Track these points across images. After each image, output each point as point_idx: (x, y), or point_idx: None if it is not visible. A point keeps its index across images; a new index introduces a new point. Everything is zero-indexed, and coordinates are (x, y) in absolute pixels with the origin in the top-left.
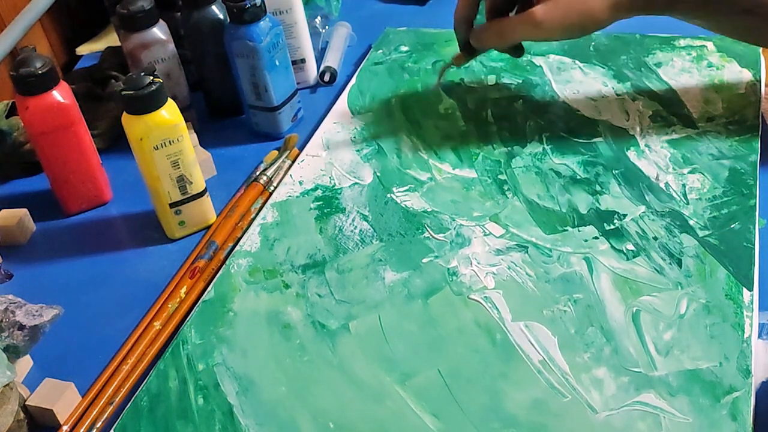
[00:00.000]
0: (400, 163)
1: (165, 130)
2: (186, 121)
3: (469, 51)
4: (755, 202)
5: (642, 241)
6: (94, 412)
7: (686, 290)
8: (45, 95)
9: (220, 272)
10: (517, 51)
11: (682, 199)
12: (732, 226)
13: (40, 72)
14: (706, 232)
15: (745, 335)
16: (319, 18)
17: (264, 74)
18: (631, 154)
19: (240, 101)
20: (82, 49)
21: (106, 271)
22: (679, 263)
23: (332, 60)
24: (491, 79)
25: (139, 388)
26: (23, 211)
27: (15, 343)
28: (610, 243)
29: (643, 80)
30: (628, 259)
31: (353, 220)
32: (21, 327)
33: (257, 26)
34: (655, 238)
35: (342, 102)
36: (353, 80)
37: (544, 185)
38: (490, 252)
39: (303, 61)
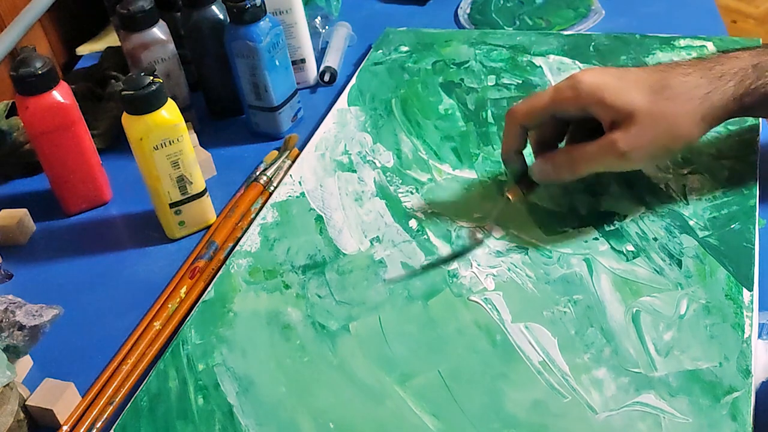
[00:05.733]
0: (400, 164)
1: (165, 130)
2: (186, 121)
3: (527, 185)
4: (755, 202)
5: (642, 242)
6: (94, 412)
7: (686, 291)
8: (45, 95)
9: (220, 272)
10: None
11: (682, 199)
12: (732, 226)
13: (40, 72)
14: (706, 233)
15: (745, 335)
16: (319, 18)
17: (264, 74)
18: None
19: (240, 101)
20: (82, 49)
21: (106, 271)
22: (679, 264)
23: (332, 60)
24: (491, 80)
25: (139, 388)
26: (23, 211)
27: (15, 343)
28: (609, 244)
29: None
30: (628, 260)
31: None
32: (21, 327)
33: (257, 26)
34: (655, 239)
35: (342, 102)
36: (353, 80)
37: (544, 186)
38: (490, 253)
39: (303, 61)
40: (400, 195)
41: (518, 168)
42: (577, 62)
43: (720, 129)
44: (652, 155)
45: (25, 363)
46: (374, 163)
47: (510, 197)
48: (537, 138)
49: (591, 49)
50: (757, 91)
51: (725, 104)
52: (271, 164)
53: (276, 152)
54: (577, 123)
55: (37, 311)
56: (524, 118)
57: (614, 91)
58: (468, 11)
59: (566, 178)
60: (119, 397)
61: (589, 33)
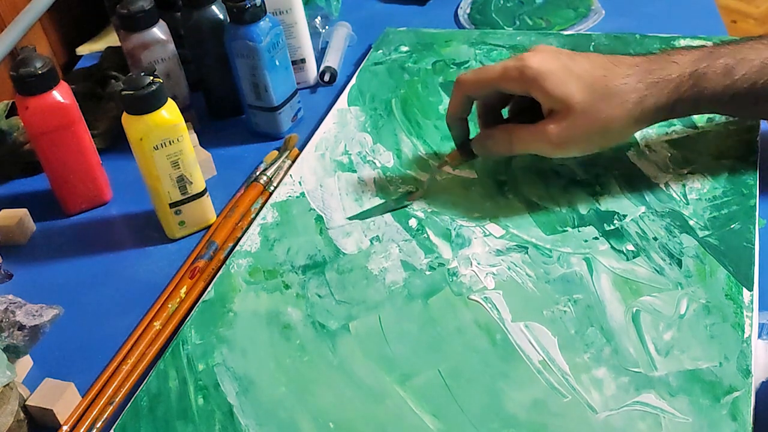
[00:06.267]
0: (400, 163)
1: (165, 130)
2: (186, 121)
3: (467, 152)
4: (755, 202)
5: (642, 242)
6: (94, 412)
7: (686, 290)
8: (45, 95)
9: (220, 272)
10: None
11: (682, 199)
12: (732, 226)
13: (40, 72)
14: (706, 232)
15: (745, 335)
16: (319, 18)
17: (264, 74)
18: (631, 154)
19: (240, 101)
20: (82, 49)
21: (106, 271)
22: (679, 263)
23: (332, 60)
24: None
25: (139, 388)
26: (23, 211)
27: (15, 343)
28: (610, 243)
29: None
30: (628, 260)
31: None
32: (21, 327)
33: (257, 26)
34: (655, 239)
35: (342, 102)
36: (353, 80)
37: (544, 185)
38: (490, 252)
39: (303, 61)
40: (400, 194)
41: (461, 134)
42: None
43: (720, 129)
44: (582, 149)
45: (25, 363)
46: (374, 163)
47: (448, 161)
48: (481, 103)
49: (591, 49)
50: (690, 99)
51: (658, 109)
52: (271, 164)
53: (276, 152)
54: (523, 99)
55: (37, 311)
56: (470, 90)
57: (556, 81)
58: (468, 11)
59: (503, 154)
60: (119, 397)
61: (589, 33)
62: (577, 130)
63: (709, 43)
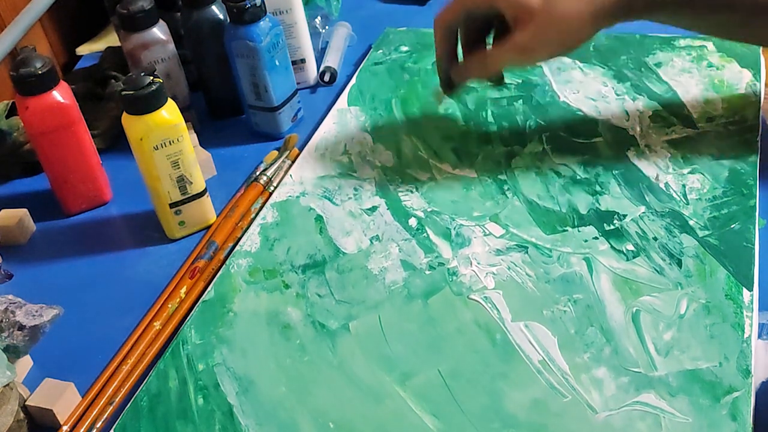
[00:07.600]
0: (400, 163)
1: (165, 130)
2: (186, 121)
3: (449, 87)
4: (755, 202)
5: (642, 242)
6: (94, 412)
7: (686, 290)
8: (45, 95)
9: (220, 272)
10: (500, 81)
11: (682, 199)
12: (732, 226)
13: (40, 72)
14: (706, 232)
15: (745, 335)
16: (319, 18)
17: (264, 74)
18: (631, 154)
19: (240, 101)
20: (82, 49)
21: (106, 271)
22: (679, 263)
23: (332, 60)
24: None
25: (139, 388)
26: (23, 211)
27: (15, 343)
28: (610, 243)
29: (643, 80)
30: (628, 260)
31: None
32: (21, 327)
33: (257, 26)
34: (655, 239)
35: (342, 102)
36: (353, 80)
37: (544, 185)
38: (490, 252)
39: (303, 61)
40: (399, 194)
41: (446, 71)
42: (577, 62)
43: (720, 129)
44: (549, 52)
45: (25, 363)
46: (374, 162)
47: (434, 97)
48: (463, 35)
49: (591, 48)
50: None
51: (614, 6)
52: (271, 164)
53: (276, 152)
54: (501, 21)
55: (37, 311)
56: (445, 23)
57: None
58: None
59: (479, 77)
60: (119, 397)
61: None
62: (539, 32)
63: None
